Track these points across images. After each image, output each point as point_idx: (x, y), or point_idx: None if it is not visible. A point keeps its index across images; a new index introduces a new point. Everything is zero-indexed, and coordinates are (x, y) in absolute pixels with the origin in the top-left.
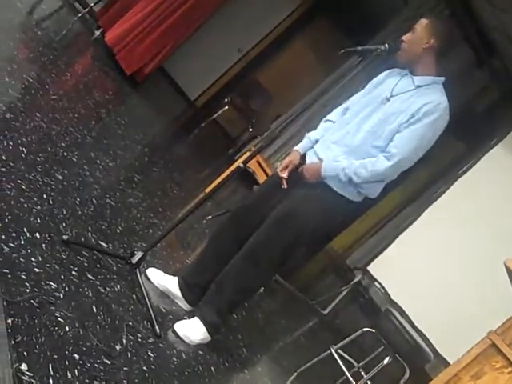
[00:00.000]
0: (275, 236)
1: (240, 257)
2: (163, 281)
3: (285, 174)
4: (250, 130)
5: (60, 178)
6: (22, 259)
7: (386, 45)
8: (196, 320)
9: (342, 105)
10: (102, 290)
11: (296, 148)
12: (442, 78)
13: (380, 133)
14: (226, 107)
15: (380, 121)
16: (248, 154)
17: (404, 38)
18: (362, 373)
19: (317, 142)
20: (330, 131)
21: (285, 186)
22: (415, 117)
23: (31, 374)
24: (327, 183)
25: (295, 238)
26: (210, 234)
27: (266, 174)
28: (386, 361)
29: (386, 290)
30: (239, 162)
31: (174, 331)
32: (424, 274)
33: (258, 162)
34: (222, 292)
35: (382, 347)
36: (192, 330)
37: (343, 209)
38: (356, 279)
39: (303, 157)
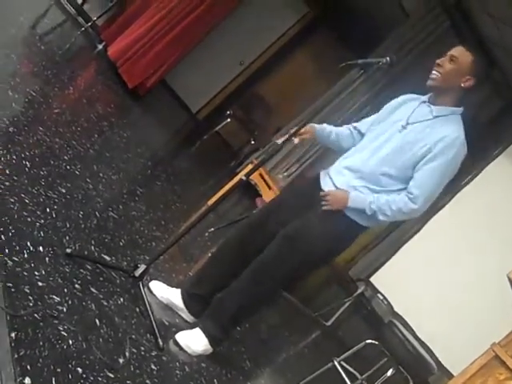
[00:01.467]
0: (284, 257)
1: (246, 274)
2: (166, 293)
3: (296, 140)
4: (252, 142)
5: (63, 191)
6: (25, 273)
7: (388, 58)
8: (198, 331)
9: (373, 117)
10: (105, 303)
11: (312, 124)
12: (461, 109)
13: (393, 162)
14: (228, 120)
15: (394, 150)
16: (250, 166)
17: (441, 62)
18: None
19: (332, 134)
20: (344, 155)
21: (297, 140)
22: (433, 152)
23: None
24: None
25: (303, 260)
26: (215, 246)
27: (269, 186)
28: (389, 373)
29: (388, 302)
30: (241, 175)
31: (175, 341)
32: (427, 285)
33: (261, 174)
34: (225, 308)
35: (386, 359)
36: (194, 340)
37: (353, 232)
38: (359, 291)
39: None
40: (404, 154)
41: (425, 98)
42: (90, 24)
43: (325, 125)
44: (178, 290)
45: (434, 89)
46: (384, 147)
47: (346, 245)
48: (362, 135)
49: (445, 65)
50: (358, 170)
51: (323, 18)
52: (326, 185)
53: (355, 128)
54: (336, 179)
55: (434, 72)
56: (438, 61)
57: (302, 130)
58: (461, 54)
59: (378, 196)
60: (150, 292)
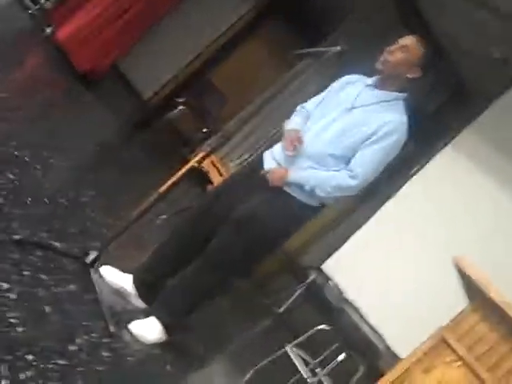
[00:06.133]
0: (234, 241)
1: (199, 260)
2: (118, 279)
3: (293, 153)
4: (204, 130)
5: (11, 177)
6: None
7: (338, 47)
8: (152, 319)
9: (321, 94)
10: (56, 290)
11: (292, 127)
12: (405, 95)
13: (338, 144)
14: (180, 107)
15: (339, 132)
16: (202, 153)
17: (392, 50)
18: (318, 369)
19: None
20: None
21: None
22: (377, 135)
23: None
24: (286, 189)
25: (254, 243)
26: (165, 233)
27: (220, 173)
28: (340, 357)
29: (339, 289)
30: (193, 162)
31: (129, 330)
32: (377, 272)
33: (212, 161)
34: (178, 293)
35: (337, 344)
36: (147, 330)
37: (302, 213)
38: (310, 278)
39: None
40: (349, 136)
41: (370, 80)
42: (37, 7)
43: (297, 119)
44: (130, 276)
45: (381, 74)
46: (329, 129)
47: (296, 225)
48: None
49: (396, 53)
50: (303, 150)
51: (277, 5)
52: (268, 163)
53: (303, 107)
54: (282, 161)
55: (383, 58)
56: (388, 48)
57: (294, 138)
58: (413, 45)
59: (316, 171)
60: (102, 277)
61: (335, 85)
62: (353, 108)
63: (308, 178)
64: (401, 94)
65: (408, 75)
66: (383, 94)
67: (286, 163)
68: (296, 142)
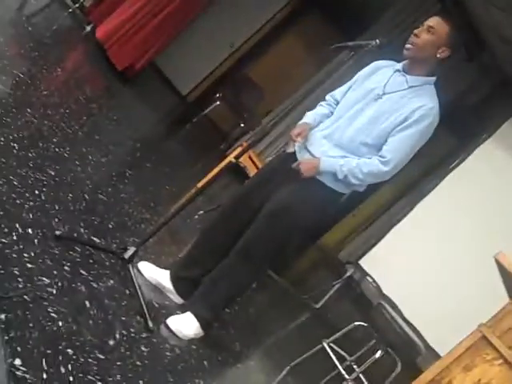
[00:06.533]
0: (269, 232)
1: (234, 253)
2: (155, 274)
3: (299, 139)
4: (242, 125)
5: (52, 173)
6: (14, 255)
7: (377, 40)
8: (189, 315)
9: (347, 85)
10: (95, 285)
11: (305, 121)
12: (434, 78)
13: (370, 131)
14: (218, 102)
15: (371, 119)
16: (239, 149)
17: (418, 33)
18: (354, 366)
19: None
20: (319, 126)
21: (291, 149)
22: (408, 121)
23: (25, 369)
24: (319, 178)
25: (289, 234)
26: (201, 228)
27: (258, 168)
28: (377, 354)
29: (377, 284)
30: (231, 157)
31: (166, 326)
32: (416, 267)
33: (250, 157)
34: (215, 287)
35: (374, 341)
36: (185, 325)
37: (335, 202)
38: (348, 273)
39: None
40: (380, 123)
41: (398, 66)
42: (77, 5)
43: (310, 115)
44: (167, 272)
45: (409, 58)
46: (360, 116)
47: (329, 214)
48: (338, 103)
49: (422, 35)
50: (335, 140)
51: None
52: (301, 153)
53: (332, 96)
54: (314, 150)
55: (410, 41)
56: (415, 31)
57: (299, 130)
58: (438, 24)
59: (348, 159)
60: (139, 273)
61: (364, 70)
62: (383, 94)
63: (340, 165)
64: (430, 78)
65: (437, 55)
66: (413, 79)
67: (317, 153)
68: (298, 138)
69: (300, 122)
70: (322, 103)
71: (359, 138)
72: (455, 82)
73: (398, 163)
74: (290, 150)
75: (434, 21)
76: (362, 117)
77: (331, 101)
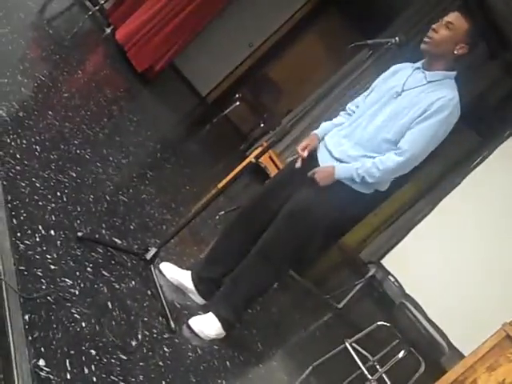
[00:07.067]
0: (289, 232)
1: (254, 253)
2: (177, 275)
3: (305, 153)
4: (262, 125)
5: (73, 175)
6: (37, 256)
7: (397, 38)
8: (211, 315)
9: (369, 89)
10: (117, 286)
11: (314, 132)
12: (454, 73)
13: (390, 127)
14: (237, 103)
15: (391, 115)
16: (260, 149)
17: (436, 28)
18: (377, 366)
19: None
20: (340, 126)
21: (299, 164)
22: (427, 112)
23: (49, 370)
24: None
25: (309, 234)
26: (221, 228)
27: (278, 168)
28: (400, 354)
29: (400, 284)
30: (251, 158)
31: (188, 326)
32: (438, 266)
33: (270, 157)
34: (236, 288)
35: (397, 341)
36: (207, 325)
37: (355, 202)
38: (370, 273)
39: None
40: (400, 118)
41: (418, 64)
42: (97, 7)
43: (325, 125)
44: (189, 272)
45: (427, 53)
46: (380, 113)
47: (349, 214)
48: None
49: (440, 30)
50: (356, 139)
51: None
52: (324, 157)
53: (353, 104)
54: (334, 150)
55: (428, 36)
56: (433, 26)
57: (305, 144)
58: (457, 20)
59: (363, 161)
60: (161, 274)
61: (384, 74)
62: (402, 91)
63: (355, 169)
64: (450, 73)
65: (455, 51)
66: (432, 74)
67: (337, 152)
68: (304, 152)
69: (312, 133)
70: (341, 113)
71: (380, 135)
72: (478, 79)
73: (416, 153)
74: (297, 165)
75: (453, 17)
76: (382, 114)
77: (351, 109)
